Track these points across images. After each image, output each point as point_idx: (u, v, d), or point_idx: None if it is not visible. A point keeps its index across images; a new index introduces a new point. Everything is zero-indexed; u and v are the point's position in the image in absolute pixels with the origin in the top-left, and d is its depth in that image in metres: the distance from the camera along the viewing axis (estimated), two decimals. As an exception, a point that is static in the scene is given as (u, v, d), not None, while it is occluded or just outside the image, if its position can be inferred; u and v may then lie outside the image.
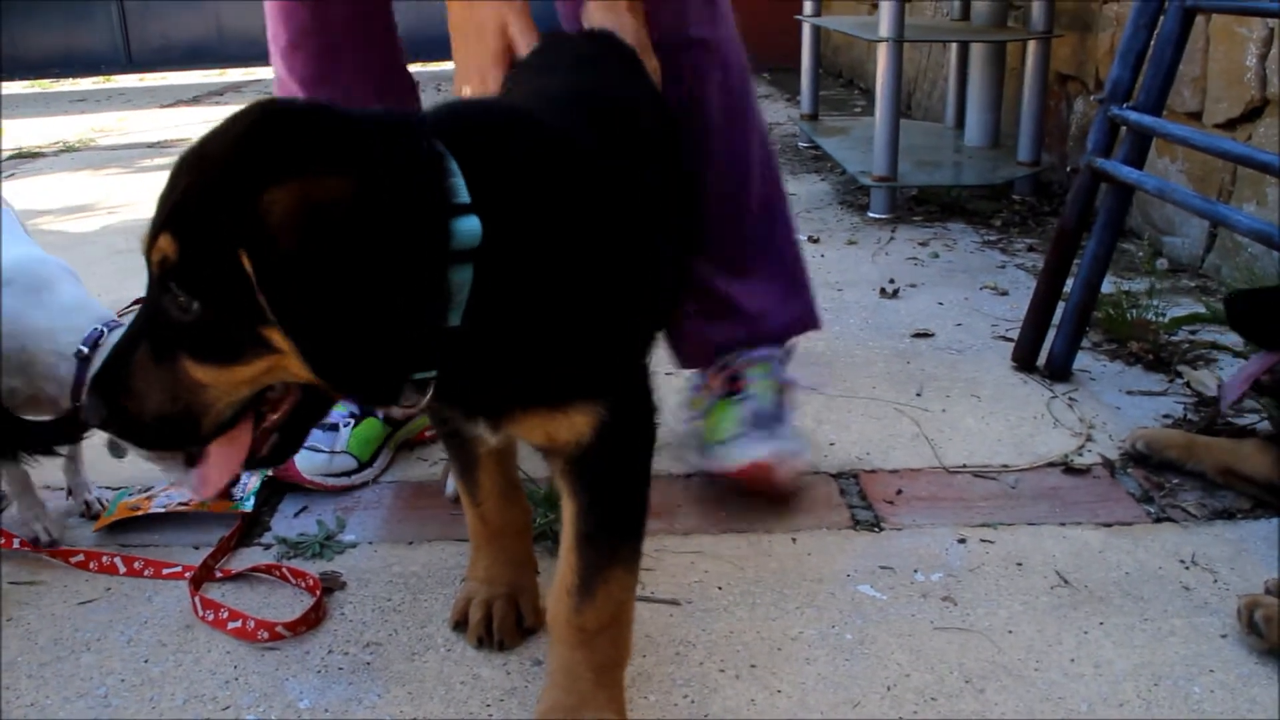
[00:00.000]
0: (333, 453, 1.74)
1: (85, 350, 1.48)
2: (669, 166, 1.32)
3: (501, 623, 1.33)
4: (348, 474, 1.75)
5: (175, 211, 0.90)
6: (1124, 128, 1.99)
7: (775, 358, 1.76)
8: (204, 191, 0.88)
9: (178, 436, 0.96)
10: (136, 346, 0.95)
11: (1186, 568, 1.48)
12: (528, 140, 1.03)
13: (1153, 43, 1.95)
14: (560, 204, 1.00)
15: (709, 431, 1.70)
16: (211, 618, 1.39)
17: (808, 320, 1.84)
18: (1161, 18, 1.93)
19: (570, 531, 1.12)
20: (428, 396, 0.98)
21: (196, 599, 1.41)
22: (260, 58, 8.14)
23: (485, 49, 1.42)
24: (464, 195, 0.92)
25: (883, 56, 3.28)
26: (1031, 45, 3.51)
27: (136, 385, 0.94)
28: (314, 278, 0.84)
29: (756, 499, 1.66)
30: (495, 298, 0.94)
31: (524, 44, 1.40)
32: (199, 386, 0.93)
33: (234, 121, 0.92)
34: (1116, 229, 2.06)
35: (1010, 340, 2.25)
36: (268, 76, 7.83)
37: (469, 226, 0.91)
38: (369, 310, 0.86)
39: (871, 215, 3.42)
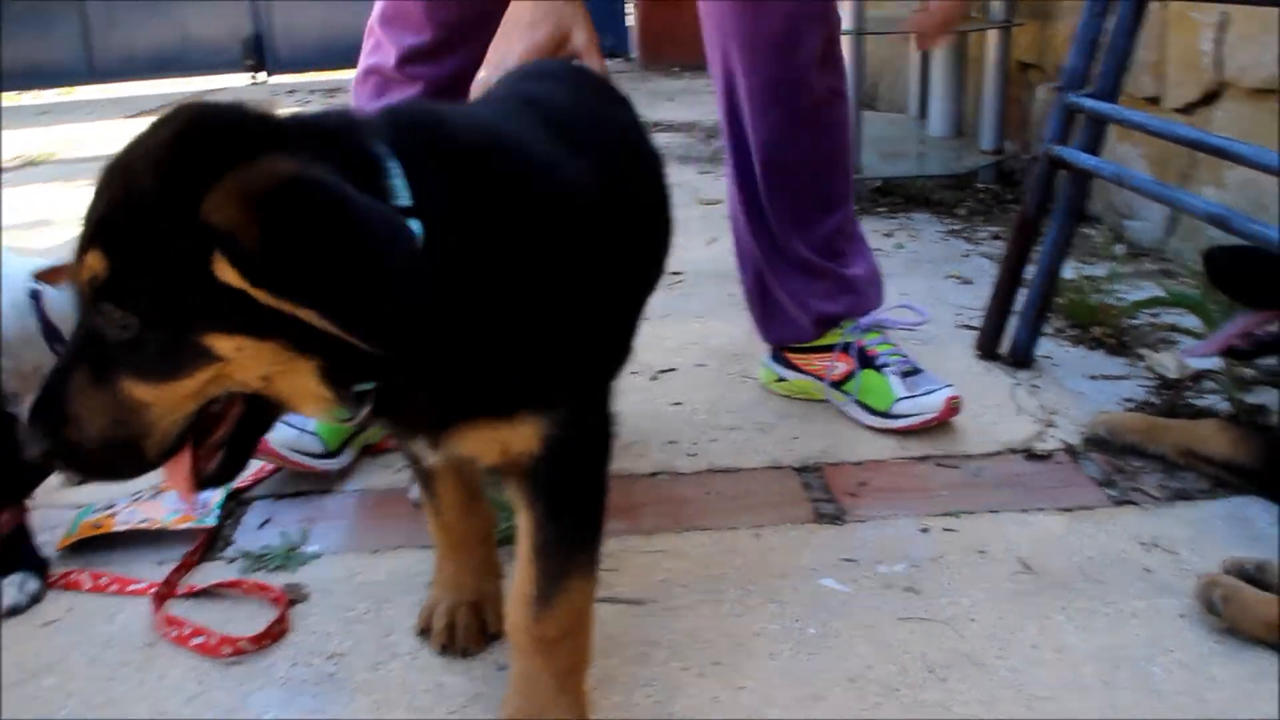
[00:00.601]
0: (302, 430, 1.74)
1: (35, 287, 1.44)
2: (640, 185, 1.32)
3: (465, 630, 1.33)
4: (315, 456, 1.75)
5: (102, 227, 0.87)
6: (1080, 114, 2.00)
7: (877, 324, 1.97)
8: (134, 202, 0.86)
9: (123, 462, 0.93)
10: (73, 371, 0.91)
11: (1147, 550, 1.49)
12: (477, 146, 1.01)
13: (1109, 30, 1.96)
14: (507, 212, 0.98)
15: (873, 399, 1.88)
16: (175, 634, 1.37)
17: (882, 294, 2.03)
18: (1117, 5, 1.94)
19: (527, 543, 1.12)
20: (367, 408, 0.96)
21: (160, 616, 1.40)
22: (225, 65, 7.95)
23: (530, 43, 1.47)
24: (404, 198, 0.91)
25: (845, 50, 3.28)
26: (993, 35, 3.53)
27: (76, 411, 0.90)
28: (296, 251, 0.81)
29: (718, 495, 1.68)
30: (435, 305, 0.92)
31: (581, 39, 1.50)
32: (142, 406, 0.90)
33: (158, 128, 0.89)
34: (1076, 215, 2.07)
35: (974, 329, 2.26)
36: (234, 84, 7.78)
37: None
38: (365, 252, 0.83)
39: (838, 208, 3.42)
